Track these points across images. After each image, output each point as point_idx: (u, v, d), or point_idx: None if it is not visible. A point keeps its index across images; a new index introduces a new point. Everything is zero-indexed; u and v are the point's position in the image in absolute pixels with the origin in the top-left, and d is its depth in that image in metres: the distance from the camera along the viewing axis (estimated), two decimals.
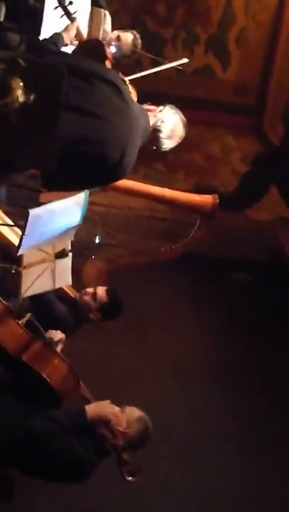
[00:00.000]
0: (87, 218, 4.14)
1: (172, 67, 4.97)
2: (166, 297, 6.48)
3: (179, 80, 7.61)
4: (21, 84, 2.35)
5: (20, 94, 2.35)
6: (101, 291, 4.34)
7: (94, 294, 4.32)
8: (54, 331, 3.82)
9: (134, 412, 3.57)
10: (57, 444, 3.30)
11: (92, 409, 3.52)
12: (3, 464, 3.52)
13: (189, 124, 3.30)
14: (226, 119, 7.82)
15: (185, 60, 4.93)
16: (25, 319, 3.76)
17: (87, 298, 4.32)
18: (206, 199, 4.68)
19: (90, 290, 4.36)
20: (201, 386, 5.86)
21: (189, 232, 4.82)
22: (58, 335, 3.81)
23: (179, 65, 4.92)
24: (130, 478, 3.42)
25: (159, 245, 5.02)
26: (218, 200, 4.68)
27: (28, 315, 3.78)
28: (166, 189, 4.67)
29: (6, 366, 3.68)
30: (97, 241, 4.66)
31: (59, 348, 3.78)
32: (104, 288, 4.38)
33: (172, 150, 3.32)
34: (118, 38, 4.82)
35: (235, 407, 5.77)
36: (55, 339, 3.77)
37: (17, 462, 3.39)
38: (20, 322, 3.72)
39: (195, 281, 6.62)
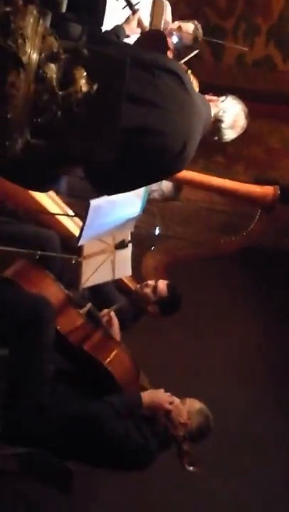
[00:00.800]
0: (146, 210, 4.16)
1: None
2: (225, 291, 6.42)
3: (239, 72, 7.55)
4: (84, 73, 2.34)
5: (83, 84, 2.34)
6: (162, 284, 4.31)
7: (154, 287, 4.29)
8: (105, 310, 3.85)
9: (194, 404, 3.59)
10: (114, 427, 3.34)
11: (148, 395, 3.54)
12: (61, 456, 3.56)
13: (249, 116, 3.27)
14: (286, 110, 7.72)
15: (196, 51, 4.86)
16: (85, 309, 3.79)
17: (147, 290, 4.30)
18: (267, 190, 4.65)
19: (151, 283, 4.34)
20: (259, 385, 5.80)
21: (249, 224, 4.78)
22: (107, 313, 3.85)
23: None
24: (191, 468, 3.43)
25: (218, 237, 5.01)
26: (278, 192, 4.64)
27: (89, 305, 3.81)
28: (227, 180, 4.65)
29: (66, 355, 3.72)
30: (156, 232, 4.66)
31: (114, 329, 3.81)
32: (166, 282, 4.35)
33: (232, 142, 3.29)
34: (179, 28, 4.80)
35: None
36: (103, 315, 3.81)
37: (76, 450, 3.42)
38: (81, 311, 3.76)
39: (256, 275, 6.54)
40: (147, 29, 4.05)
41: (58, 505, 3.93)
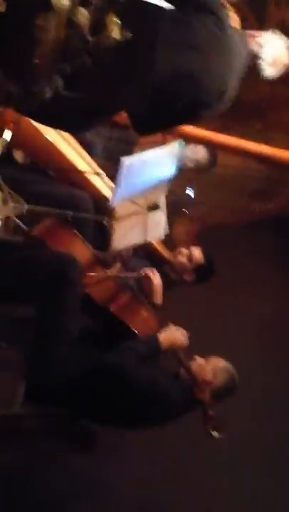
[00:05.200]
0: (181, 175, 4.05)
1: None
2: (257, 259, 6.28)
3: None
4: (117, 20, 2.26)
5: (115, 31, 2.26)
6: (197, 251, 4.16)
7: (189, 255, 4.15)
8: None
9: (219, 363, 3.53)
10: (136, 376, 3.29)
11: (163, 336, 3.50)
12: (85, 414, 3.53)
13: None
14: None
15: None
16: (114, 270, 3.75)
17: (182, 259, 4.16)
18: None
19: (184, 251, 4.19)
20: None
21: (285, 192, 4.69)
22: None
23: None
24: (215, 433, 3.39)
25: (252, 204, 4.89)
26: None
27: (118, 265, 3.76)
28: (264, 146, 4.54)
29: (92, 316, 3.68)
30: (190, 196, 4.56)
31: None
32: (200, 248, 4.20)
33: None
34: None
35: None
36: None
37: (100, 405, 3.36)
38: (109, 272, 3.71)
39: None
40: None
41: (80, 465, 3.92)
